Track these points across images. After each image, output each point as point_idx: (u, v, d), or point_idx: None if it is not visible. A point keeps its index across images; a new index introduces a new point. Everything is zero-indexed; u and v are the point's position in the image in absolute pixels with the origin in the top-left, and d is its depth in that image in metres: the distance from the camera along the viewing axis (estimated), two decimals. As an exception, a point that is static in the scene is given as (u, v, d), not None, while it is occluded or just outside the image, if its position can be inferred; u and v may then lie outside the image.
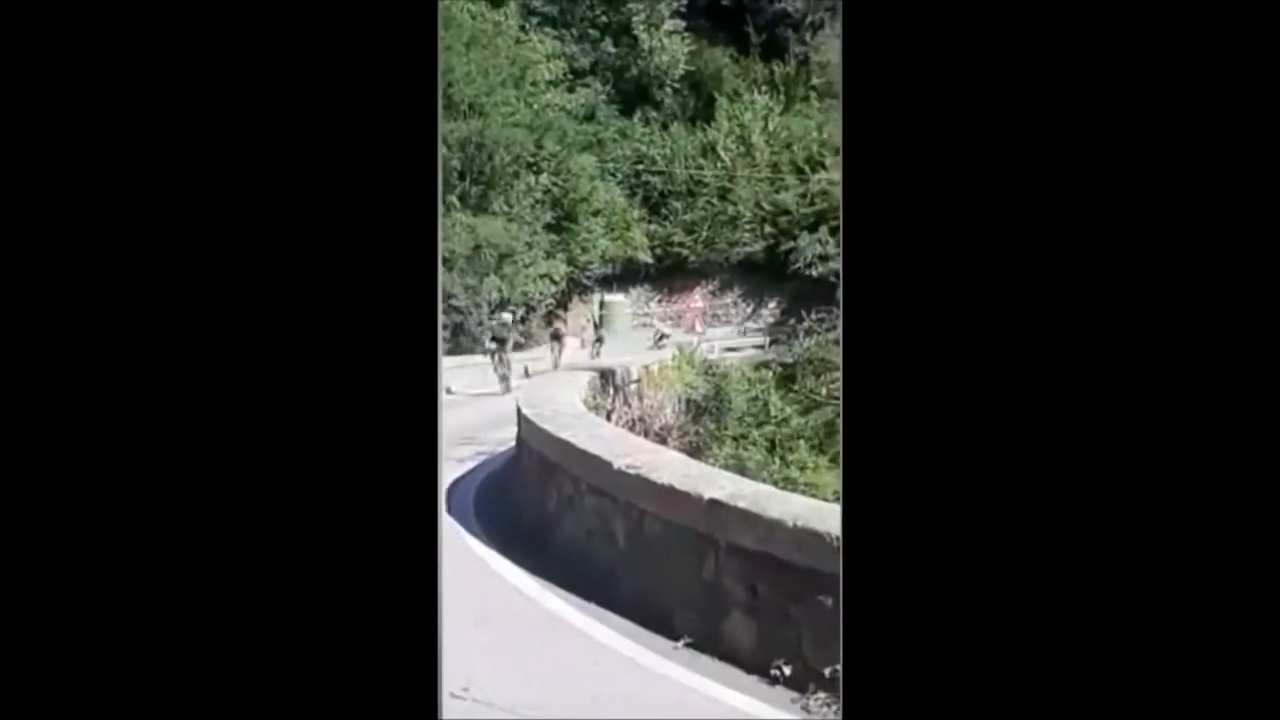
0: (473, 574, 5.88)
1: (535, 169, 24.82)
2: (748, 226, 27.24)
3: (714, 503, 4.71)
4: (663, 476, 5.24)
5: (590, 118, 27.50)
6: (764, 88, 29.31)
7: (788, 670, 4.15)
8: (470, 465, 9.69)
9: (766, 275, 27.13)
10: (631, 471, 5.47)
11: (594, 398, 11.91)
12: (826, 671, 3.98)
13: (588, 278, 26.80)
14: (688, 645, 4.59)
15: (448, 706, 3.82)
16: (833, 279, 23.59)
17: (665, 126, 28.88)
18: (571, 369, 17.62)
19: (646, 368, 18.65)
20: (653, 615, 4.91)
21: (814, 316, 23.61)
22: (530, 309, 24.08)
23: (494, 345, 18.55)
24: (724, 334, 26.46)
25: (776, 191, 27.29)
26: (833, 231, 24.99)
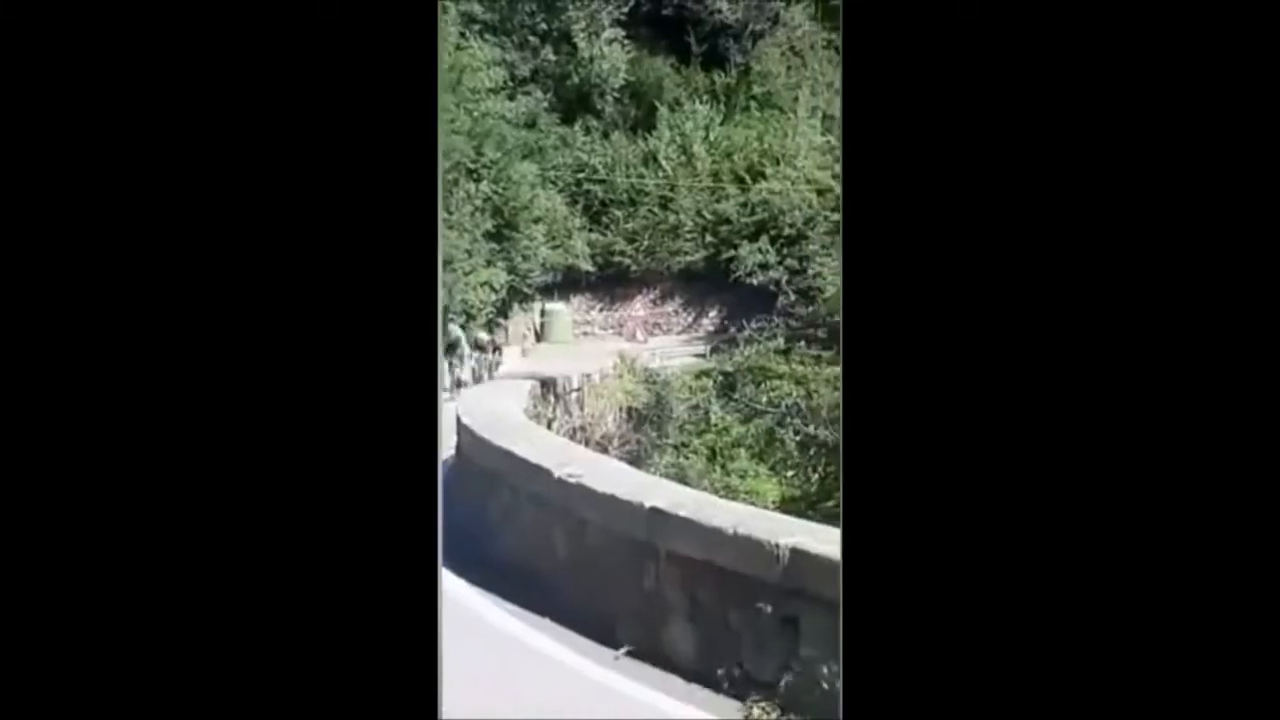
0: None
1: (475, 176, 24.65)
2: (689, 235, 27.28)
3: (655, 511, 4.71)
4: (603, 485, 5.23)
5: (531, 125, 27.36)
6: (705, 97, 29.39)
7: (736, 674, 4.16)
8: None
9: (708, 284, 27.17)
10: (572, 480, 5.46)
11: (534, 406, 11.89)
12: (767, 679, 4.00)
13: (529, 286, 26.68)
14: (629, 654, 4.59)
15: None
16: (772, 288, 23.77)
17: (606, 135, 28.84)
18: (510, 377, 17.52)
19: (587, 376, 18.61)
20: (594, 624, 4.90)
21: (754, 325, 23.75)
22: (470, 317, 23.94)
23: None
24: (669, 343, 26.53)
25: (717, 201, 27.36)
26: (773, 241, 25.15)
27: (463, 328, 20.88)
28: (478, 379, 19.60)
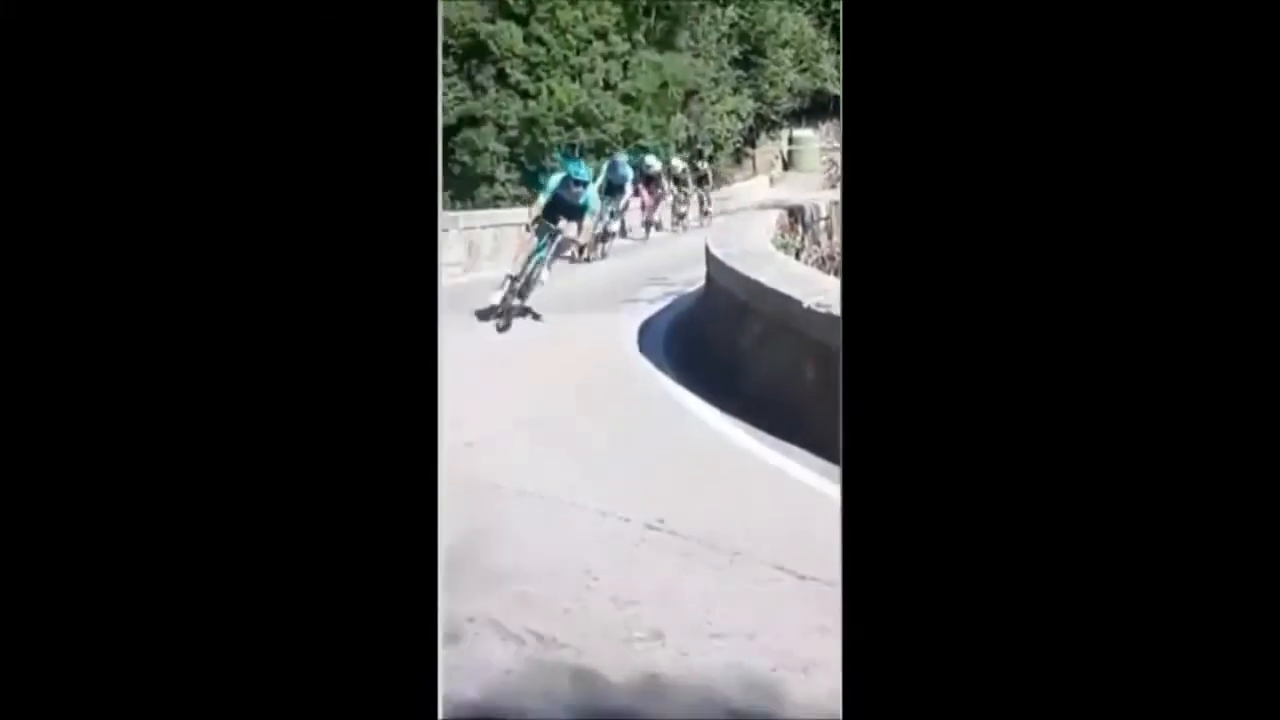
0: (665, 412, 6.01)
1: (721, 2, 24.13)
2: (944, 53, 25.89)
3: (907, 341, 4.62)
4: (854, 315, 5.16)
5: (777, -57, 26.41)
6: (963, -100, 27.40)
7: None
8: (660, 305, 9.77)
9: (964, 104, 25.85)
10: (821, 310, 5.42)
11: (782, 236, 11.80)
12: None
13: (776, 113, 26.16)
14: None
15: (645, 538, 3.98)
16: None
17: (856, -52, 27.46)
18: (760, 207, 17.37)
19: (835, 204, 18.23)
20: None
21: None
22: (718, 147, 23.78)
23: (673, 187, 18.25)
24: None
25: (976, 14, 25.75)
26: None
27: (671, 160, 20.52)
28: (706, 213, 19.31)
